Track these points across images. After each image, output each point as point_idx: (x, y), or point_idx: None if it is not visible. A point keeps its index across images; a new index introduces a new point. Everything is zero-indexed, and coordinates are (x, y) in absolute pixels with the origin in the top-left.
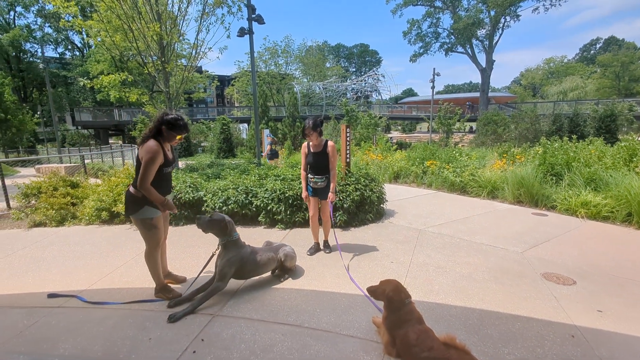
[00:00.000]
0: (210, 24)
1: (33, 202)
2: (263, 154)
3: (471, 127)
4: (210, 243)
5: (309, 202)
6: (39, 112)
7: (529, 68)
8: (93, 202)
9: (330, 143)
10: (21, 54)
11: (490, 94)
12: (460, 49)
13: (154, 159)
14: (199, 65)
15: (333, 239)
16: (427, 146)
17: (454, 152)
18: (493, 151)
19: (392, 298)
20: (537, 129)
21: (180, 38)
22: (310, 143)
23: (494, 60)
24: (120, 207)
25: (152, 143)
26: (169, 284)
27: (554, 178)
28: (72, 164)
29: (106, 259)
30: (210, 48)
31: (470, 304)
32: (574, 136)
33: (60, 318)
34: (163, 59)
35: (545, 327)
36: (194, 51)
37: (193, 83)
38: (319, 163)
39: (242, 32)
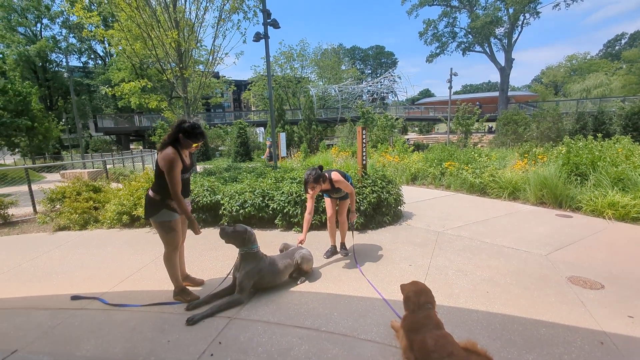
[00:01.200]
0: (226, 29)
1: (58, 206)
2: (263, 156)
3: (490, 127)
4: (228, 246)
5: (326, 204)
6: (63, 120)
7: (550, 66)
8: (114, 206)
9: (333, 176)
10: (47, 64)
11: (510, 93)
12: (478, 48)
13: (173, 167)
14: (216, 70)
15: (350, 242)
16: (445, 147)
17: (473, 152)
18: (514, 151)
19: (409, 299)
20: (560, 128)
21: (198, 44)
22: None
23: (514, 59)
24: (140, 211)
25: (169, 151)
26: (187, 287)
27: (579, 178)
28: (95, 169)
29: (127, 262)
30: (227, 53)
31: (492, 308)
32: (599, 135)
33: (83, 319)
34: (181, 66)
35: (572, 333)
36: (210, 57)
37: (210, 88)
38: (335, 193)
39: (257, 37)
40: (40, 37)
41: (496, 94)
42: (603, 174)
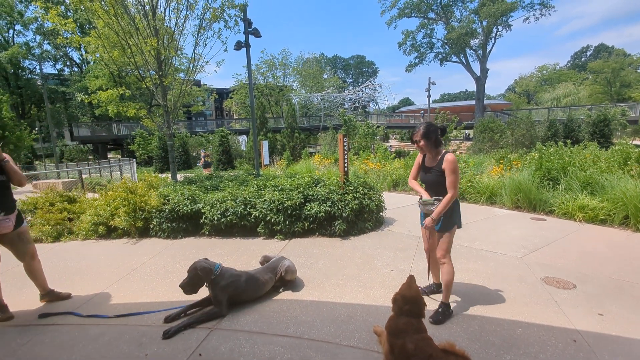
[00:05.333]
0: (207, 38)
1: (29, 218)
2: (199, 163)
3: (467, 135)
4: (212, 256)
5: (422, 235)
6: (37, 128)
7: (522, 76)
8: (90, 217)
9: (448, 157)
10: (19, 71)
11: (485, 102)
12: (454, 58)
13: None
14: (197, 78)
15: (334, 248)
16: None
17: None
18: (490, 157)
19: (396, 301)
20: (533, 135)
21: (178, 52)
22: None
23: (488, 69)
24: (118, 221)
25: None
26: (5, 305)
27: (551, 183)
28: (70, 179)
29: (102, 274)
30: (208, 62)
31: (471, 310)
32: (569, 141)
33: (54, 335)
34: (161, 74)
35: (546, 332)
36: (191, 65)
37: (191, 96)
38: (430, 181)
39: (239, 46)
40: (12, 44)
41: (473, 102)
42: (573, 179)
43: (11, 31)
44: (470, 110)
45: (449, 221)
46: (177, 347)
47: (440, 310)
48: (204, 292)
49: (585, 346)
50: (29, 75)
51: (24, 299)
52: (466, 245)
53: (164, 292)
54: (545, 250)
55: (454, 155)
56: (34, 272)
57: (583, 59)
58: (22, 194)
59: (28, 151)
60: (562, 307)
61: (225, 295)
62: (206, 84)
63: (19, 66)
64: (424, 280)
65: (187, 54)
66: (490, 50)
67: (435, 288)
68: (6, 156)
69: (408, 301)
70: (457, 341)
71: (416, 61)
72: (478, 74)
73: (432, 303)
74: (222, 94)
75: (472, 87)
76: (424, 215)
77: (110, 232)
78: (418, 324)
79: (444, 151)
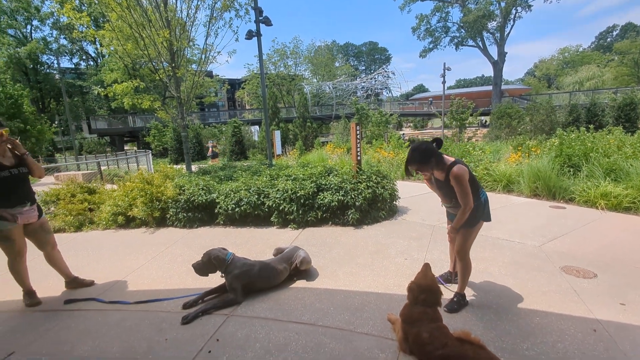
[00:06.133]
0: (218, 28)
1: (52, 208)
2: (209, 156)
3: (484, 121)
4: (227, 245)
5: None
6: (56, 122)
7: (542, 59)
8: (109, 207)
9: (453, 172)
10: (38, 66)
11: (503, 87)
12: (470, 42)
13: None
14: (209, 69)
15: (347, 237)
16: None
17: (467, 146)
18: (507, 144)
19: (412, 290)
20: (553, 121)
21: (190, 43)
22: None
23: (506, 53)
24: (136, 212)
25: None
26: (34, 291)
27: (572, 170)
28: (89, 171)
29: (123, 262)
30: (220, 52)
31: (487, 300)
32: (592, 126)
33: (79, 320)
34: (173, 65)
35: (565, 322)
36: (203, 56)
37: (204, 87)
38: (445, 192)
39: (250, 35)
40: (30, 39)
41: (490, 88)
42: (595, 165)
43: (29, 27)
44: (487, 96)
45: (469, 217)
46: (195, 332)
47: (455, 299)
48: (218, 280)
49: (606, 336)
50: (47, 70)
51: (50, 285)
52: (482, 234)
53: (181, 279)
54: (564, 238)
55: (460, 167)
56: (54, 260)
57: (609, 39)
58: (44, 185)
59: (49, 144)
60: (581, 296)
61: (239, 283)
62: (218, 75)
63: (37, 61)
64: (438, 269)
65: (198, 45)
66: (509, 33)
67: (451, 277)
68: (25, 151)
69: (424, 290)
70: (472, 330)
71: (430, 46)
72: (495, 58)
73: (447, 292)
74: (234, 85)
75: (489, 72)
76: (448, 212)
77: (129, 222)
78: (433, 313)
79: (449, 164)
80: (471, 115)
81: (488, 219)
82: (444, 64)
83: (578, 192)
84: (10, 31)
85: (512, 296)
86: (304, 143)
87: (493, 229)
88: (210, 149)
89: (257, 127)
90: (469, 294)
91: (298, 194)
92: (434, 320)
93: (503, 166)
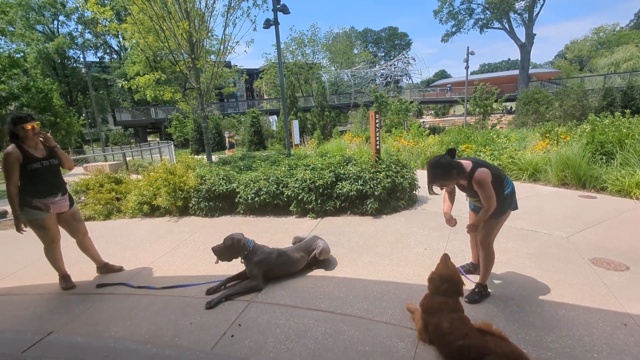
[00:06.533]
0: (236, 17)
1: (82, 198)
2: (227, 147)
3: (509, 108)
4: (247, 234)
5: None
6: (83, 115)
7: (575, 40)
8: (135, 197)
9: (476, 177)
10: (65, 61)
11: (531, 71)
12: (496, 24)
13: (6, 162)
14: (227, 60)
15: (365, 226)
16: (462, 129)
17: (491, 134)
18: (534, 131)
19: (433, 280)
20: (585, 105)
21: (209, 34)
22: None
23: (535, 34)
24: (160, 201)
25: (7, 147)
26: (69, 275)
27: (604, 157)
28: (115, 162)
29: (149, 249)
30: (238, 42)
31: (510, 291)
32: (628, 111)
33: (110, 304)
34: (193, 56)
35: (593, 315)
36: (222, 46)
37: (223, 78)
38: (469, 192)
39: (267, 24)
40: (57, 34)
41: (516, 72)
42: (631, 152)
43: (55, 22)
44: (513, 80)
45: (495, 208)
46: (219, 317)
47: (476, 290)
48: (240, 267)
49: (638, 330)
50: (74, 64)
51: (83, 270)
52: (506, 224)
53: (204, 266)
54: (595, 229)
55: (481, 171)
56: (86, 247)
57: None
58: (75, 176)
59: (77, 136)
60: (612, 289)
61: (260, 270)
62: (236, 65)
63: (64, 56)
64: (459, 260)
65: (217, 36)
66: (538, 13)
67: (472, 268)
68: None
69: (445, 280)
70: (494, 321)
71: (453, 30)
72: (523, 40)
73: (468, 283)
74: (252, 75)
75: (515, 55)
76: (472, 203)
77: (154, 211)
78: (455, 303)
79: (469, 169)
80: (495, 101)
81: (515, 207)
82: (467, 48)
83: (610, 181)
84: (39, 27)
85: (537, 288)
86: (322, 132)
87: (518, 219)
88: (227, 139)
89: (275, 117)
90: (491, 285)
91: (316, 184)
92: (455, 311)
93: (529, 154)
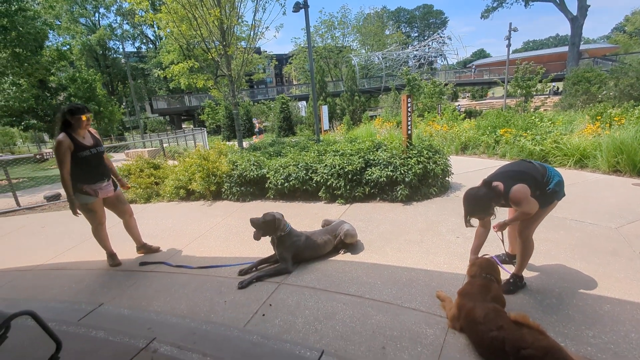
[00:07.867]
0: (266, 2)
1: (126, 181)
2: (256, 134)
3: (556, 88)
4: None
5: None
6: (124, 103)
7: (636, 10)
8: (172, 182)
9: (513, 197)
10: (106, 52)
11: (582, 47)
12: None
13: (58, 151)
14: (257, 46)
15: (394, 212)
16: (501, 113)
17: (533, 117)
18: (584, 114)
19: (473, 265)
20: None
21: (239, 20)
22: None
23: (589, 6)
24: (195, 185)
25: (59, 136)
26: (115, 254)
27: None
28: (153, 148)
29: (185, 231)
30: (268, 27)
31: (549, 283)
32: None
33: (152, 280)
34: (224, 43)
35: None
36: (252, 32)
37: (253, 64)
38: (511, 208)
39: (297, 7)
40: (98, 26)
41: (565, 49)
42: None
43: (96, 15)
44: (561, 58)
45: (541, 199)
46: (250, 297)
47: (511, 280)
48: (270, 249)
49: None
50: (114, 55)
51: (127, 250)
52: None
53: (236, 248)
54: None
55: (516, 190)
56: (131, 227)
57: None
58: (117, 162)
59: (119, 124)
60: None
61: (290, 254)
62: (266, 51)
63: (105, 47)
64: (493, 250)
65: (247, 22)
66: None
67: (507, 258)
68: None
69: (486, 267)
70: (531, 313)
71: (494, 5)
72: (575, 13)
73: (503, 273)
74: (281, 60)
75: (564, 30)
76: None
77: (189, 195)
78: (497, 292)
79: (504, 191)
80: (540, 81)
81: (562, 196)
82: (510, 24)
83: None
84: (82, 20)
85: (579, 281)
86: (352, 117)
87: (561, 208)
88: (257, 125)
89: (304, 102)
90: (527, 275)
91: (346, 170)
92: (495, 299)
93: (576, 139)
